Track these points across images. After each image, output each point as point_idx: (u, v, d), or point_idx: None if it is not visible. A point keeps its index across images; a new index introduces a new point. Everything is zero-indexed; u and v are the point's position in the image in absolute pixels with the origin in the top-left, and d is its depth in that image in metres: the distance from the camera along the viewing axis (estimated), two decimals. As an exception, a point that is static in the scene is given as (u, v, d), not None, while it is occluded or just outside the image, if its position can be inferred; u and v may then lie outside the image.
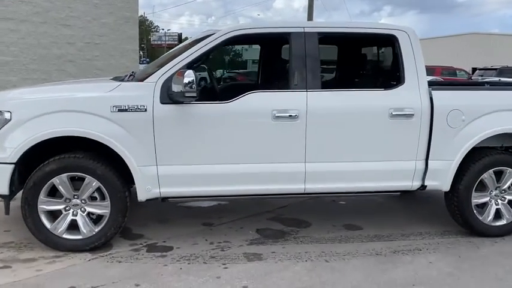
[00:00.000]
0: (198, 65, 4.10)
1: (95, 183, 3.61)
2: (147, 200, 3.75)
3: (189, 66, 3.67)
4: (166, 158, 3.66)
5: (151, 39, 52.22)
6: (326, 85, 4.33)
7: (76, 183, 3.64)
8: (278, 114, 3.71)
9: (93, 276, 3.34)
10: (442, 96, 3.93)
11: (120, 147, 3.56)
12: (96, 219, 3.73)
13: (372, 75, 5.04)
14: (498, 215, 4.18)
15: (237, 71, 23.57)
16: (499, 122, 3.99)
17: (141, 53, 37.84)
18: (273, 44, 5.25)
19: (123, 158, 3.59)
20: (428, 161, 3.96)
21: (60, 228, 3.65)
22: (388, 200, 5.38)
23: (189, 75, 3.46)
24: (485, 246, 4.02)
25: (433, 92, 3.93)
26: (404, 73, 3.94)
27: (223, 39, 3.78)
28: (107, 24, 11.83)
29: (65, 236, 3.67)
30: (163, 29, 56.65)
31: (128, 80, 3.89)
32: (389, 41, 4.10)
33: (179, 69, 3.61)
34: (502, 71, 21.69)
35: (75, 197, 3.66)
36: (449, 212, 4.27)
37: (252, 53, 27.91)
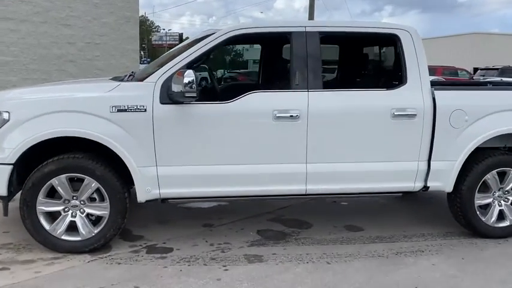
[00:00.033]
0: (198, 64, 4.06)
1: (94, 184, 3.58)
2: (147, 201, 3.71)
3: (189, 66, 3.64)
4: (166, 158, 3.62)
5: (152, 39, 52.25)
6: (327, 85, 4.31)
7: (75, 184, 3.61)
8: (279, 115, 3.67)
9: (92, 278, 3.31)
10: (444, 96, 3.89)
11: (119, 148, 3.53)
12: (95, 220, 3.70)
13: (374, 75, 5.01)
14: (501, 216, 4.14)
15: (237, 71, 23.54)
16: (503, 122, 3.95)
17: (142, 53, 37.86)
18: (274, 43, 5.21)
19: (122, 158, 3.56)
20: (431, 162, 3.92)
21: (59, 229, 3.62)
22: (389, 201, 5.34)
23: (189, 75, 3.42)
24: (488, 247, 3.98)
25: (436, 92, 3.89)
26: (407, 73, 3.90)
27: (224, 38, 3.74)
28: (108, 24, 11.79)
29: (64, 237, 3.64)
30: (164, 29, 56.73)
31: (127, 80, 3.86)
32: (391, 40, 4.07)
33: (179, 69, 3.58)
34: (504, 71, 21.63)
35: (74, 198, 3.63)
36: (451, 213, 4.23)
37: (253, 53, 27.90)
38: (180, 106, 3.56)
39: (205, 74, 5.35)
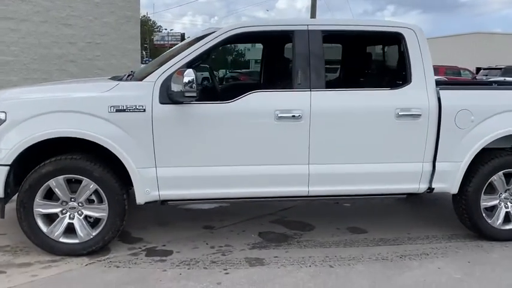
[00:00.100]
0: (198, 64, 3.99)
1: (92, 186, 3.52)
2: (146, 203, 3.64)
3: (189, 65, 3.57)
4: (166, 159, 3.55)
5: (154, 39, 52.24)
6: (330, 84, 4.23)
7: (73, 185, 3.55)
8: (281, 115, 3.60)
9: (90, 281, 3.24)
10: (450, 96, 3.81)
11: (118, 149, 3.46)
12: (93, 222, 3.64)
13: (378, 74, 4.92)
14: (508, 218, 4.06)
15: (239, 70, 23.48)
16: (510, 123, 3.87)
17: (144, 53, 37.84)
18: (275, 42, 5.14)
19: (121, 159, 3.49)
20: (436, 163, 3.85)
21: (56, 231, 3.56)
22: (393, 202, 5.26)
23: (189, 75, 3.35)
24: (494, 250, 3.90)
25: (441, 92, 3.81)
26: (411, 72, 3.82)
27: (225, 37, 3.67)
28: (108, 23, 11.74)
29: (62, 239, 3.57)
30: (166, 29, 56.70)
31: (126, 80, 3.79)
32: (395, 39, 3.99)
33: (179, 68, 3.51)
34: (507, 71, 21.48)
35: (72, 199, 3.56)
36: (457, 215, 4.15)
37: (254, 52, 27.86)
38: (179, 106, 3.49)
39: (207, 73, 5.29)
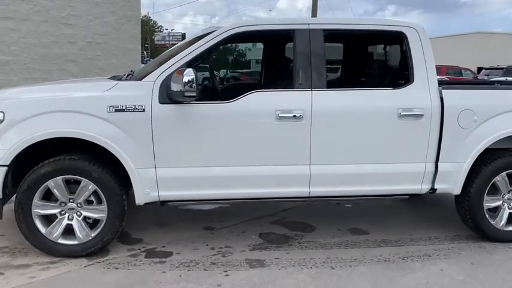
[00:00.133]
0: (198, 63, 3.95)
1: (91, 187, 3.48)
2: (146, 203, 3.60)
3: (189, 64, 3.53)
4: (166, 160, 3.51)
5: (155, 39, 52.25)
6: (332, 84, 4.18)
7: (72, 186, 3.51)
8: (282, 115, 3.56)
9: (89, 283, 3.21)
10: (452, 96, 3.77)
11: (117, 149, 3.43)
12: (92, 223, 3.60)
13: (380, 73, 4.88)
14: (511, 219, 4.01)
15: (240, 70, 23.43)
16: None
17: (145, 53, 37.79)
18: (276, 41, 5.10)
19: (120, 160, 3.45)
20: (438, 163, 3.80)
21: (55, 233, 3.52)
22: (395, 203, 5.22)
23: (189, 74, 3.31)
24: (497, 252, 3.86)
25: (444, 92, 3.77)
26: (414, 72, 3.78)
27: (225, 36, 3.63)
28: (109, 23, 11.70)
29: (60, 241, 3.54)
30: (167, 29, 56.75)
31: (125, 79, 3.75)
32: (397, 38, 3.95)
33: (179, 67, 3.47)
34: (509, 71, 21.44)
35: (71, 200, 3.53)
36: (459, 216, 4.11)
37: (255, 52, 27.82)
38: (179, 106, 3.46)
39: (207, 73, 5.25)
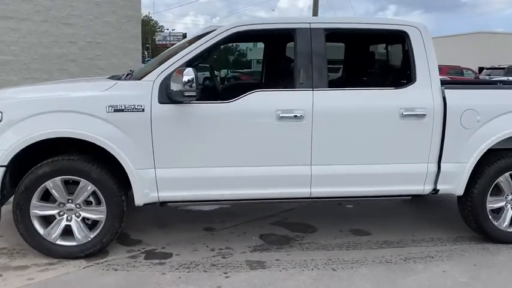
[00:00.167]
0: (198, 62, 3.91)
1: (90, 187, 3.45)
2: (145, 204, 3.57)
3: (189, 64, 3.49)
4: (165, 160, 3.48)
5: (156, 39, 52.22)
6: (333, 84, 4.13)
7: (70, 187, 3.48)
8: (282, 115, 3.52)
9: (88, 285, 3.18)
10: (455, 96, 3.73)
11: (116, 149, 3.39)
12: (91, 224, 3.57)
13: (381, 73, 4.84)
14: (514, 220, 3.97)
15: (241, 70, 23.39)
16: None
17: (145, 53, 37.78)
18: (277, 41, 5.07)
19: (119, 160, 3.42)
20: (441, 164, 3.76)
21: (53, 234, 3.49)
22: (397, 204, 5.18)
23: (189, 74, 3.28)
24: (501, 253, 3.82)
25: (446, 91, 3.73)
26: (416, 71, 3.74)
27: (225, 35, 3.60)
28: (109, 23, 11.67)
29: (59, 242, 3.51)
30: (168, 29, 56.74)
31: (125, 79, 3.72)
32: (399, 37, 3.92)
33: (178, 67, 3.43)
34: (510, 70, 21.37)
35: (70, 201, 3.50)
36: (462, 217, 4.07)
37: (256, 52, 27.78)
38: (179, 106, 3.42)
39: (207, 73, 5.21)
